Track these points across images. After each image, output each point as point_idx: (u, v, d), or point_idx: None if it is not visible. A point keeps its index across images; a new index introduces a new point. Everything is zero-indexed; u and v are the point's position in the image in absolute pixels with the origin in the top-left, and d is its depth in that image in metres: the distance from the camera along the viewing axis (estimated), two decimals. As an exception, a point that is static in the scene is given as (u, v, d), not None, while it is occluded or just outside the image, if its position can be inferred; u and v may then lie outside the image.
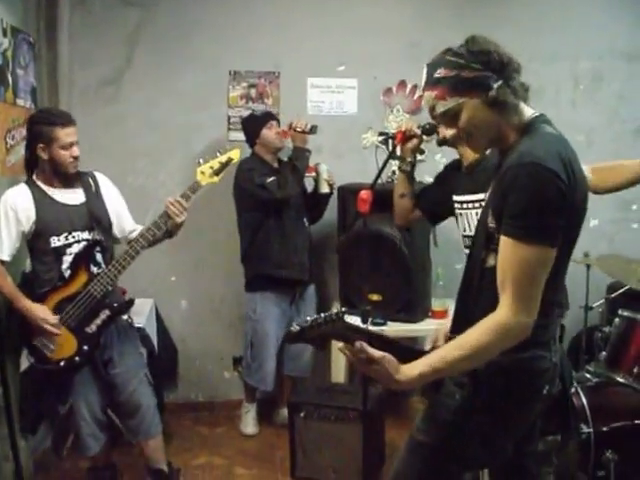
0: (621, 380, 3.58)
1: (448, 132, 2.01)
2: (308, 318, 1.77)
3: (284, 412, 4.36)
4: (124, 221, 3.44)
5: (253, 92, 4.67)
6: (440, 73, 1.89)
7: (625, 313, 3.77)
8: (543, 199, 1.74)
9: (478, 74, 1.86)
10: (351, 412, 3.62)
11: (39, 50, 4.11)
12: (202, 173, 3.26)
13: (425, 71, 1.95)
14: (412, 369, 1.81)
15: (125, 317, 3.41)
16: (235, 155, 3.36)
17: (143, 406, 3.40)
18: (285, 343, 4.28)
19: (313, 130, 4.18)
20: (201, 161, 3.29)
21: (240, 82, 4.66)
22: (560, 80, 4.95)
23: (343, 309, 1.84)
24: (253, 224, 4.20)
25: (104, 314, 3.20)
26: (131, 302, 3.37)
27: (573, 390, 3.30)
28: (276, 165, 4.26)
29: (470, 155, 2.92)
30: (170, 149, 4.63)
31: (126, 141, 4.55)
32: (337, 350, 4.04)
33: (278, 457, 4.08)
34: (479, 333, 1.79)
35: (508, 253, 1.79)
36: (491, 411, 2.01)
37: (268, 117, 4.27)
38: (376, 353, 1.80)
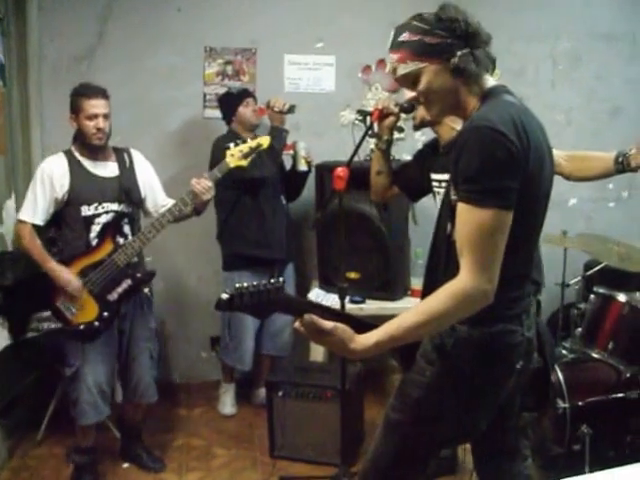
0: (596, 356, 3.65)
1: (407, 95, 2.02)
2: (237, 285, 1.74)
3: (262, 392, 4.32)
4: (157, 195, 3.61)
5: (229, 69, 4.62)
6: (404, 37, 1.93)
7: (600, 290, 3.84)
8: (493, 161, 1.72)
9: (441, 40, 1.87)
10: (329, 391, 3.61)
11: (8, 25, 3.99)
12: (232, 155, 3.38)
13: (392, 34, 1.97)
14: (368, 338, 1.81)
15: (146, 290, 3.58)
16: (265, 141, 3.46)
17: (136, 376, 3.54)
18: (264, 322, 4.22)
19: (291, 110, 4.13)
20: (231, 145, 3.38)
21: (216, 59, 4.59)
22: (539, 60, 4.97)
23: (281, 279, 1.81)
24: (229, 202, 4.16)
25: (126, 283, 3.34)
26: (152, 274, 3.56)
27: (550, 366, 3.34)
28: None
29: (446, 135, 2.91)
30: (145, 127, 4.55)
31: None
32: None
33: (257, 437, 4.06)
34: (438, 300, 1.78)
35: (463, 219, 1.78)
36: (462, 387, 2.00)
37: (245, 94, 4.22)
38: (327, 324, 1.79)
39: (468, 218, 1.76)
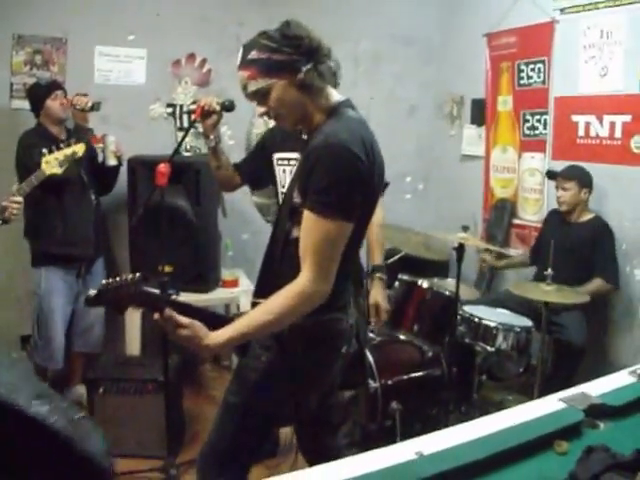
0: (403, 337, 3.94)
1: (259, 109, 2.12)
2: (104, 281, 1.82)
3: (78, 389, 4.28)
4: None
5: (38, 58, 4.44)
6: (253, 55, 2.04)
7: (404, 277, 4.11)
8: (344, 178, 1.90)
9: (288, 57, 2.01)
10: (150, 384, 3.62)
11: None
12: (47, 163, 3.27)
13: (240, 52, 2.07)
14: (220, 335, 1.95)
15: None
16: (80, 149, 3.40)
17: None
18: (73, 319, 4.19)
19: (95, 107, 4.02)
20: (45, 151, 3.27)
21: (24, 47, 4.40)
22: (342, 60, 5.14)
23: (138, 274, 1.89)
24: (33, 200, 3.99)
25: None
26: None
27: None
28: (63, 136, 4.07)
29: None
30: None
31: None
32: (130, 322, 4.02)
33: None
34: (282, 299, 1.94)
35: (310, 226, 1.94)
36: (296, 370, 2.18)
37: (53, 87, 4.04)
38: (184, 319, 1.91)
39: (314, 227, 1.92)
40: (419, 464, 1.55)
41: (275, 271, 2.14)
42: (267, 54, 2.00)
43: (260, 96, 2.07)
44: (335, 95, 2.12)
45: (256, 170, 3.05)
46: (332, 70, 2.10)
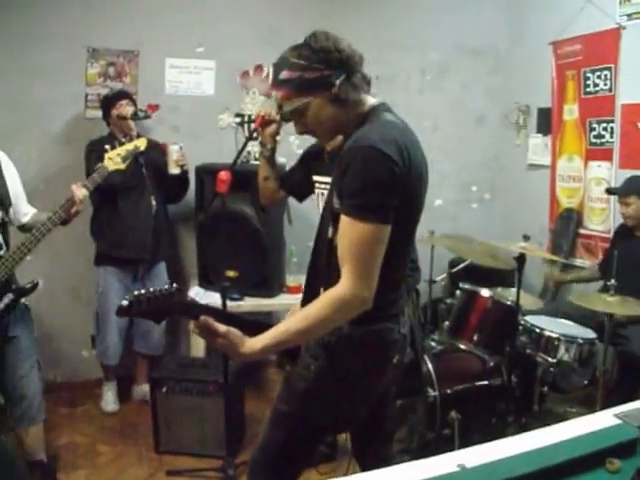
0: (463, 347, 3.91)
1: (297, 127, 2.14)
2: (136, 292, 1.79)
3: (143, 388, 4.43)
4: (20, 203, 3.32)
5: (111, 70, 4.62)
6: (284, 75, 2.02)
7: (466, 286, 4.10)
8: (376, 180, 1.86)
9: (320, 74, 2.00)
10: (212, 385, 3.70)
11: None
12: (110, 159, 3.30)
13: (271, 71, 2.09)
14: (256, 342, 1.90)
15: (22, 300, 3.20)
16: (142, 143, 3.46)
17: (29, 394, 3.24)
18: (134, 320, 4.32)
19: (138, 116, 4.13)
20: (108, 147, 3.33)
21: (98, 60, 4.58)
22: (410, 69, 5.25)
23: (175, 285, 1.87)
24: (95, 202, 4.18)
25: (7, 298, 3.06)
26: (35, 285, 3.18)
27: (420, 358, 3.58)
28: None
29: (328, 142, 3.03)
30: (25, 126, 4.47)
31: (-23, 117, 4.37)
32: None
33: (141, 433, 4.08)
34: (320, 306, 1.90)
35: (346, 230, 1.90)
36: (345, 380, 2.15)
37: (119, 97, 4.23)
38: (221, 327, 1.88)
39: (350, 230, 1.89)
40: (460, 477, 1.51)
41: (320, 279, 2.11)
42: (299, 72, 1.99)
43: (297, 115, 2.07)
44: (370, 100, 2.10)
45: (298, 184, 3.08)
46: (366, 78, 2.08)
